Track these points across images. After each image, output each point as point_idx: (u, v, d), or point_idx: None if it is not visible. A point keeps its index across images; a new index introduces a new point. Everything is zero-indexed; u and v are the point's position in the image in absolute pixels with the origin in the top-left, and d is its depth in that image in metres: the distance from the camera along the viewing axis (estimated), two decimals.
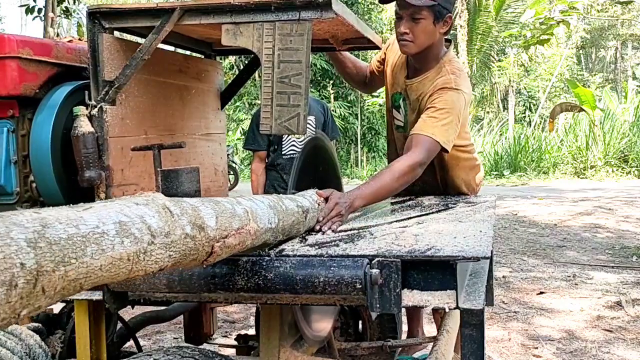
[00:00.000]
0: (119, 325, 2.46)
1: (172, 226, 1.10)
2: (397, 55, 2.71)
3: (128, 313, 2.99)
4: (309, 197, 1.87)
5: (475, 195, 2.86)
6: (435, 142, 2.36)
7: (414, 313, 3.22)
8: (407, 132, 2.63)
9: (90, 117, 1.87)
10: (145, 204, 1.09)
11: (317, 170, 2.27)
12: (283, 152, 4.03)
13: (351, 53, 3.00)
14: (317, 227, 1.88)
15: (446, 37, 2.59)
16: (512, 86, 23.77)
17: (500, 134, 18.35)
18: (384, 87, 2.86)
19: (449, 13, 2.46)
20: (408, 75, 2.65)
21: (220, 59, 3.05)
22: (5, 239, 0.77)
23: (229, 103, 3.23)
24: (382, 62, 2.84)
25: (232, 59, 15.33)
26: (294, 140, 4.02)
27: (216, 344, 2.90)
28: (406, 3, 2.38)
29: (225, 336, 3.85)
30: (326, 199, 1.96)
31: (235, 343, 2.79)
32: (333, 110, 14.63)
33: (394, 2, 2.48)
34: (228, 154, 4.96)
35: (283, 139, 4.01)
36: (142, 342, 2.93)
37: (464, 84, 2.51)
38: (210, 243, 1.22)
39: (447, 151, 2.44)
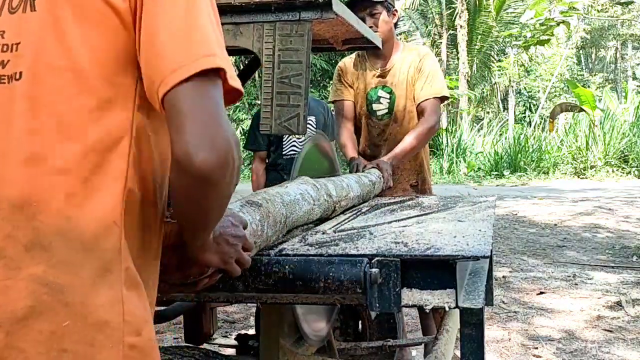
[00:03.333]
0: None
1: (319, 195, 1.80)
2: (355, 69, 3.21)
3: None
4: (374, 173, 2.72)
5: (430, 189, 3.25)
6: (435, 100, 3.06)
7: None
8: (392, 114, 3.15)
9: None
10: (305, 183, 1.79)
11: (317, 170, 2.27)
12: (283, 153, 4.02)
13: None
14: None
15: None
16: (512, 86, 23.80)
17: (500, 134, 18.33)
18: (354, 103, 3.24)
19: (394, 8, 3.11)
20: (382, 66, 3.14)
21: None
22: (274, 203, 1.51)
23: None
24: (350, 84, 3.23)
25: (232, 59, 15.32)
26: (294, 141, 4.01)
27: (216, 344, 2.90)
28: (366, 3, 2.98)
29: (225, 336, 3.84)
30: (378, 167, 2.83)
31: (235, 343, 2.79)
32: (333, 111, 14.59)
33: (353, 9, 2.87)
34: None
35: (283, 139, 4.01)
36: None
37: None
38: (334, 205, 1.94)
39: (447, 97, 3.17)
